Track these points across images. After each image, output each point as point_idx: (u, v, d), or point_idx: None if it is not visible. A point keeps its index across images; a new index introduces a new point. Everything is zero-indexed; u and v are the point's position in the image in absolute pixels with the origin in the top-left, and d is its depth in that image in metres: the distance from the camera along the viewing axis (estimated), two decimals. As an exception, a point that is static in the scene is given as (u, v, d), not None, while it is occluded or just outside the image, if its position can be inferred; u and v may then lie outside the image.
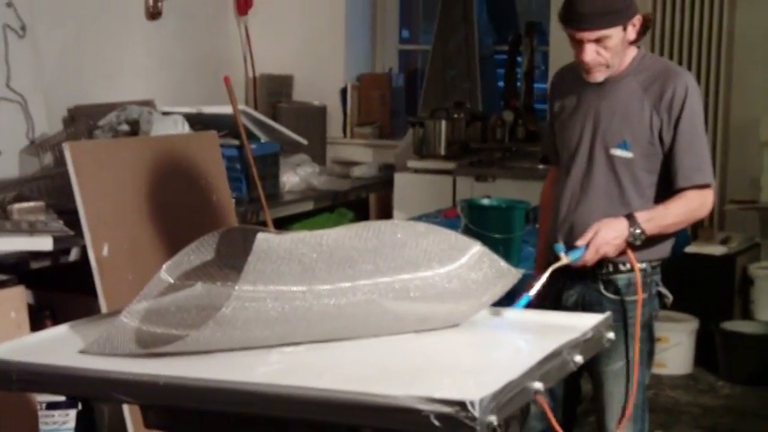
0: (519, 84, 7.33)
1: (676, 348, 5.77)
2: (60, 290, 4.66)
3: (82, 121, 5.52)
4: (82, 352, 2.59)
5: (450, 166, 6.62)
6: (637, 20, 3.30)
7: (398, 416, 2.13)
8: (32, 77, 5.40)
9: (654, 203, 3.36)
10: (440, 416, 2.09)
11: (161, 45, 6.61)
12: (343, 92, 7.37)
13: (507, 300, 3.02)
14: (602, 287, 3.39)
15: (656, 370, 5.76)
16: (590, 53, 3.28)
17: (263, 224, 5.29)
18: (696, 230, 6.15)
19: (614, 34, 3.25)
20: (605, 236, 3.24)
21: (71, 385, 2.50)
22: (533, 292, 3.15)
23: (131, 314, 2.68)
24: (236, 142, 5.47)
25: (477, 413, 2.08)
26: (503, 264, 2.88)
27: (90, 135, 5.19)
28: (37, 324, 4.03)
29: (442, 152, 6.73)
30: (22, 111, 5.32)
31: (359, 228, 2.86)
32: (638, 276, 3.32)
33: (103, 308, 4.27)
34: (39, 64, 5.47)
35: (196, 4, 6.88)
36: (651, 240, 3.33)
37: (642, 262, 3.38)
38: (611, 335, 2.82)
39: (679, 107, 3.30)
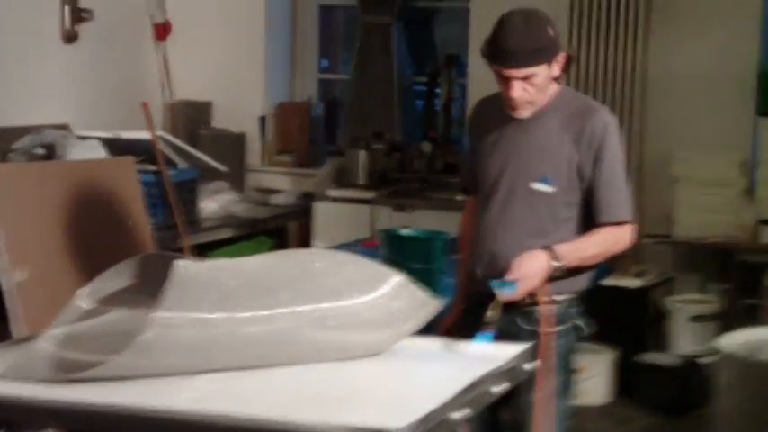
0: (437, 115, 7.38)
1: (595, 379, 5.80)
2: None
3: (-4, 144, 5.45)
4: (-3, 377, 2.56)
5: (369, 195, 6.64)
6: (561, 57, 3.33)
7: (321, 443, 2.14)
8: (-55, 99, 5.32)
9: (573, 236, 3.39)
10: (361, 444, 2.11)
11: (77, 69, 6.55)
12: (263, 120, 7.36)
13: (426, 329, 3.05)
14: (518, 319, 3.42)
15: (575, 400, 5.80)
16: (518, 90, 3.28)
17: (182, 251, 5.26)
18: (613, 263, 6.22)
19: (540, 72, 3.27)
20: (530, 269, 3.26)
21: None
22: (488, 328, 3.17)
23: (48, 339, 2.65)
24: (154, 168, 5.43)
25: (399, 441, 2.09)
26: (422, 294, 2.90)
27: (4, 158, 5.13)
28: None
29: (361, 181, 6.75)
30: (-67, 133, 5.24)
31: (279, 256, 2.88)
32: (544, 308, 3.33)
33: (18, 333, 4.21)
34: (-48, 85, 5.40)
35: (114, 28, 6.83)
36: (570, 273, 3.36)
37: (562, 294, 3.41)
38: (530, 365, 2.85)
39: (598, 143, 3.32)
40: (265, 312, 2.62)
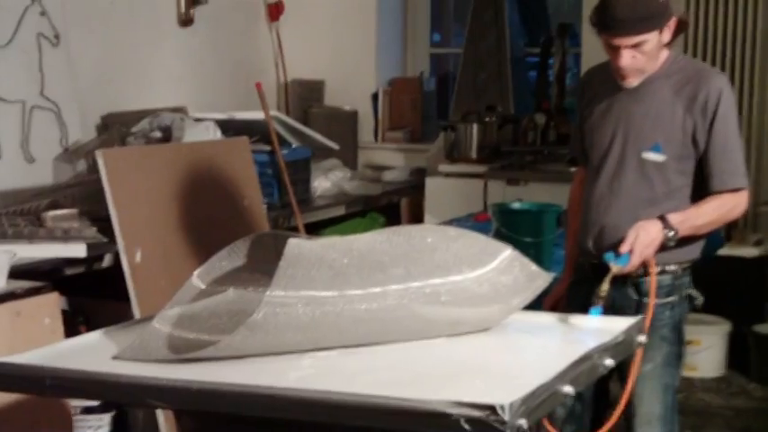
0: (550, 86, 7.31)
1: (708, 351, 5.75)
2: (94, 296, 4.69)
3: (115, 128, 5.55)
4: (115, 358, 2.62)
5: (481, 169, 6.61)
6: (672, 22, 3.27)
7: (429, 420, 2.13)
8: (66, 85, 5.43)
9: (686, 205, 3.34)
10: (470, 419, 2.10)
11: (193, 52, 6.64)
12: (375, 96, 7.38)
13: (537, 303, 3.03)
14: (629, 290, 3.38)
15: (687, 373, 5.73)
16: (627, 58, 3.25)
17: (295, 229, 5.32)
18: (729, 232, 6.12)
19: (651, 39, 3.22)
20: (644, 240, 3.22)
21: (104, 391, 2.52)
22: (600, 302, 3.16)
23: (164, 320, 2.70)
24: (268, 148, 5.49)
25: (506, 417, 2.08)
26: (533, 267, 2.88)
27: (123, 142, 5.22)
28: (71, 330, 4.06)
29: (474, 156, 6.73)
30: (56, 119, 5.36)
31: (390, 232, 2.87)
32: (653, 280, 3.27)
33: (136, 314, 4.30)
34: (72, 72, 5.51)
35: (228, 10, 6.90)
36: (681, 242, 3.31)
37: (672, 264, 3.37)
38: (642, 338, 2.82)
39: (713, 110, 3.27)
40: (376, 289, 2.63)
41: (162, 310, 2.74)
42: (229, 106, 6.20)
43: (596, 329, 2.76)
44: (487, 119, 6.85)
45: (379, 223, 6.28)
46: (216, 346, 2.53)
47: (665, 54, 3.35)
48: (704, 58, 6.45)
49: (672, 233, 3.24)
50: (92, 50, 5.82)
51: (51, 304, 3.82)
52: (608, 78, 3.40)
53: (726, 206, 3.33)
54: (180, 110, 5.98)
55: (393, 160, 7.25)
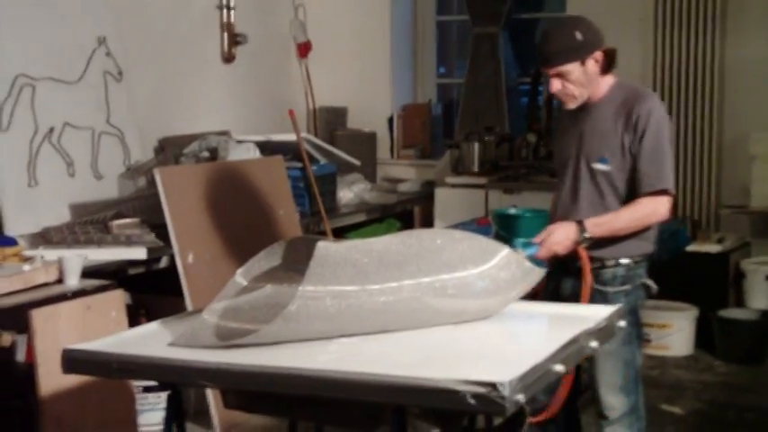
0: (540, 110, 7.28)
1: (679, 333, 5.72)
2: (153, 292, 4.69)
3: (170, 149, 5.55)
4: (171, 344, 2.61)
5: (482, 181, 6.58)
6: (598, 55, 3.29)
7: (440, 396, 2.12)
8: (128, 114, 5.44)
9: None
10: (475, 395, 2.08)
11: (235, 84, 6.64)
12: (390, 120, 7.36)
13: (531, 296, 3.01)
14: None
15: (661, 352, 5.72)
16: (555, 86, 3.32)
17: (323, 234, 5.30)
18: (695, 232, 6.10)
19: (573, 69, 3.27)
20: (557, 237, 3.27)
21: (162, 373, 2.52)
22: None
23: (212, 312, 2.69)
24: (300, 165, 5.48)
25: (506, 392, 2.06)
26: (528, 264, 2.86)
27: (177, 161, 5.22)
28: (133, 321, 4.06)
29: (476, 169, 6.69)
30: (119, 142, 5.36)
31: (404, 235, 2.85)
32: (586, 271, 3.29)
33: (189, 307, 4.29)
34: (133, 103, 5.51)
35: (264, 49, 6.90)
36: (632, 239, 3.34)
37: (625, 258, 3.37)
38: (622, 323, 2.79)
39: (643, 125, 3.27)
40: (393, 284, 2.61)
41: (210, 304, 2.73)
42: (266, 130, 6.18)
43: (582, 317, 2.72)
44: (487, 138, 6.82)
45: (395, 228, 6.26)
46: (256, 333, 2.52)
47: (608, 81, 3.37)
48: (671, 85, 6.41)
49: (586, 234, 3.26)
50: (149, 84, 5.82)
51: (117, 299, 3.82)
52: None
53: (643, 210, 3.30)
54: (224, 133, 5.98)
55: (407, 174, 7.23)
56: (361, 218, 6.08)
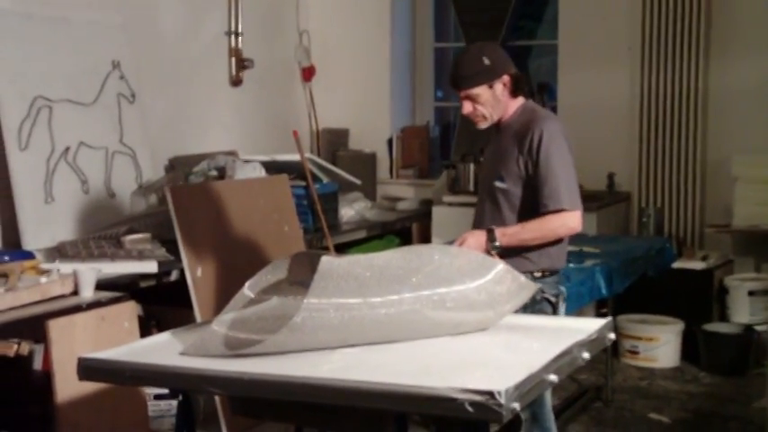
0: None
1: (666, 346, 5.71)
2: (163, 304, 4.68)
3: (179, 168, 5.55)
4: (181, 354, 2.60)
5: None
6: (506, 78, 3.37)
7: (439, 403, 2.12)
8: (140, 134, 5.44)
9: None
10: (472, 403, 2.08)
11: (242, 106, 6.66)
12: (390, 141, 7.37)
13: (525, 309, 3.01)
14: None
15: (648, 363, 5.72)
16: (466, 107, 3.40)
17: (326, 249, 5.30)
18: (681, 250, 6.11)
19: (482, 92, 3.36)
20: (471, 243, 3.33)
21: (173, 380, 2.51)
22: None
23: (220, 323, 2.69)
24: (304, 183, 5.48)
25: (503, 400, 2.06)
26: (522, 279, 2.86)
27: (186, 180, 5.22)
28: (145, 332, 4.05)
29: (471, 189, 6.69)
30: (132, 161, 5.36)
31: (404, 251, 2.85)
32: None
33: (198, 318, 4.28)
34: (145, 123, 5.52)
35: (270, 74, 6.92)
36: (541, 253, 3.41)
37: (531, 270, 3.41)
38: (612, 335, 2.79)
39: (536, 148, 3.32)
40: (394, 297, 2.61)
41: (219, 315, 2.73)
42: (272, 150, 6.19)
43: (574, 329, 2.72)
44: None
45: (395, 244, 6.26)
46: (263, 343, 2.52)
47: (516, 103, 3.43)
48: (656, 109, 6.43)
49: (496, 243, 3.33)
50: (161, 106, 5.83)
51: (129, 311, 3.81)
52: (491, 129, 3.53)
53: (549, 224, 3.34)
54: (232, 153, 5.99)
55: (405, 193, 7.23)
56: (361, 234, 6.08)
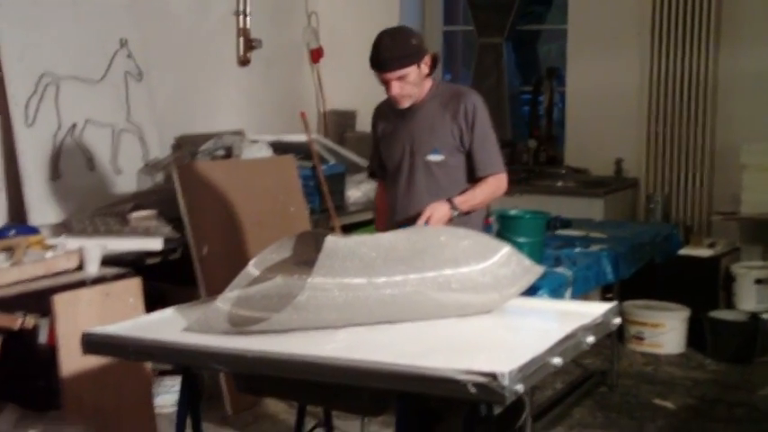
0: (541, 118, 7.27)
1: (672, 332, 5.70)
2: (168, 281, 4.68)
3: (186, 147, 5.54)
4: (185, 330, 2.60)
5: (484, 184, 6.56)
6: (428, 58, 3.46)
7: (442, 384, 2.12)
8: (147, 113, 5.43)
9: (463, 188, 3.52)
10: (476, 384, 2.08)
11: (249, 86, 6.63)
12: (397, 124, 7.34)
13: (530, 291, 3.00)
14: None
15: (654, 350, 5.71)
16: (396, 88, 3.45)
17: (332, 230, 5.28)
18: (687, 237, 6.08)
19: (411, 72, 3.41)
20: (438, 216, 3.41)
21: (176, 356, 2.51)
22: None
23: (225, 300, 2.68)
24: (310, 164, 5.47)
25: (506, 382, 2.06)
26: (527, 262, 2.85)
27: (193, 158, 5.21)
28: (150, 308, 4.03)
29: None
30: (138, 139, 5.35)
31: (410, 232, 2.85)
32: None
33: (203, 296, 4.28)
34: (152, 102, 5.51)
35: (278, 54, 6.89)
36: (476, 214, 3.59)
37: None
38: (617, 320, 2.78)
39: (472, 117, 3.48)
40: (398, 278, 2.61)
41: (223, 293, 2.72)
42: (279, 130, 6.18)
43: (579, 312, 2.71)
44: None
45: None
46: (267, 321, 2.51)
47: (429, 82, 3.53)
48: (666, 96, 6.40)
49: (456, 212, 3.46)
50: (168, 85, 5.81)
51: (134, 287, 3.81)
52: (391, 108, 3.60)
53: (491, 187, 3.56)
54: (239, 133, 5.97)
55: (412, 175, 7.20)
56: (368, 216, 6.04)
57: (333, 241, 2.55)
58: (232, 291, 2.72)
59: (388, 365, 2.18)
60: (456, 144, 3.51)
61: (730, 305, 5.92)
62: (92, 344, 2.54)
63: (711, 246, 6.02)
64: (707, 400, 4.94)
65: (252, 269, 2.79)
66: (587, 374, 5.22)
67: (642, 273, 4.84)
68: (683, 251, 5.66)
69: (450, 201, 3.46)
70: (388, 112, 3.65)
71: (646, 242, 4.89)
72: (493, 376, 2.06)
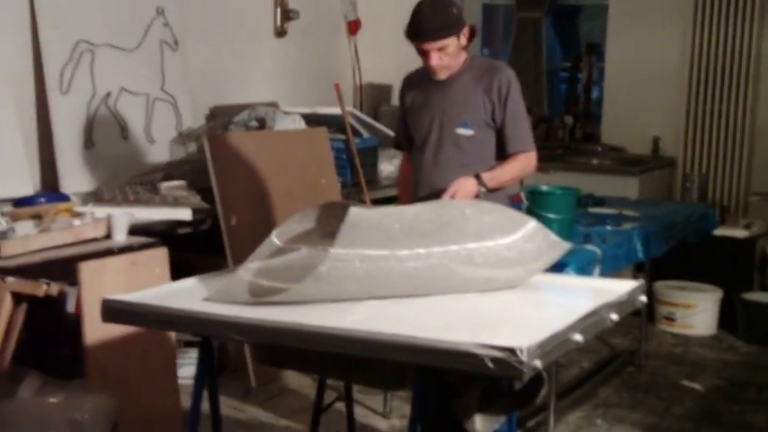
0: (579, 94, 7.19)
1: (703, 313, 5.64)
2: (197, 251, 4.68)
3: (220, 117, 5.54)
4: (206, 299, 2.59)
5: (518, 160, 6.50)
6: (466, 30, 3.43)
7: (459, 358, 2.09)
8: (182, 82, 5.44)
9: (492, 165, 3.48)
10: (494, 359, 2.05)
11: (285, 58, 6.61)
12: (433, 98, 7.29)
13: (557, 268, 2.96)
14: None
15: (685, 330, 5.65)
16: (435, 59, 3.41)
17: (363, 203, 5.26)
18: (723, 217, 5.99)
19: (451, 42, 3.38)
20: (464, 192, 3.37)
21: (195, 325, 2.50)
22: None
23: (247, 270, 2.67)
24: (343, 137, 5.44)
25: (524, 358, 2.03)
26: (553, 237, 2.82)
27: (226, 129, 5.21)
28: (177, 278, 4.03)
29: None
30: (172, 109, 5.36)
31: (435, 205, 2.83)
32: None
33: (230, 266, 4.28)
34: (187, 72, 5.51)
35: (315, 25, 6.86)
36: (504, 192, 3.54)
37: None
38: (643, 298, 2.73)
39: (505, 92, 3.45)
40: (422, 251, 2.58)
41: (245, 262, 2.71)
42: (313, 102, 6.16)
43: (604, 289, 2.67)
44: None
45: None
46: (288, 292, 2.50)
47: (463, 55, 3.50)
48: (707, 74, 6.30)
49: (483, 188, 3.42)
50: (204, 55, 5.81)
51: (161, 256, 3.81)
52: (422, 79, 3.56)
53: (521, 164, 3.51)
54: (273, 104, 5.95)
55: (446, 150, 7.16)
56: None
57: (356, 212, 2.53)
58: (254, 261, 2.70)
59: (405, 338, 2.16)
60: (487, 119, 3.47)
61: (765, 287, 5.83)
62: (111, 311, 2.54)
63: (747, 226, 5.93)
64: (736, 383, 4.88)
65: (275, 239, 2.77)
66: (615, 354, 5.17)
67: (676, 253, 4.78)
68: (719, 231, 5.58)
69: (477, 176, 3.42)
70: (419, 82, 3.61)
71: (679, 221, 4.82)
72: (511, 351, 2.04)
